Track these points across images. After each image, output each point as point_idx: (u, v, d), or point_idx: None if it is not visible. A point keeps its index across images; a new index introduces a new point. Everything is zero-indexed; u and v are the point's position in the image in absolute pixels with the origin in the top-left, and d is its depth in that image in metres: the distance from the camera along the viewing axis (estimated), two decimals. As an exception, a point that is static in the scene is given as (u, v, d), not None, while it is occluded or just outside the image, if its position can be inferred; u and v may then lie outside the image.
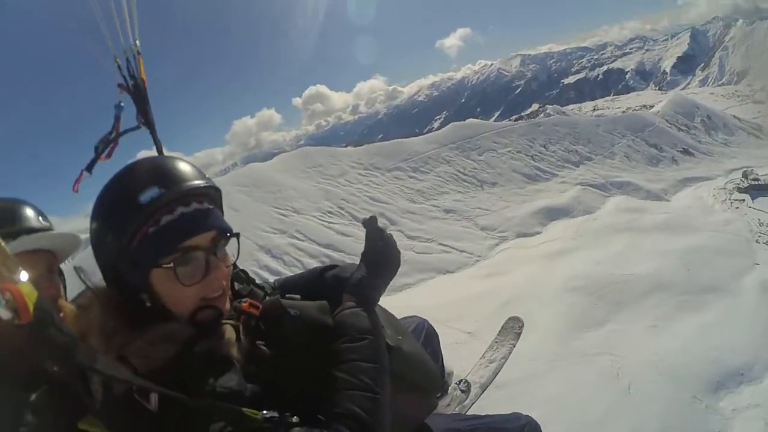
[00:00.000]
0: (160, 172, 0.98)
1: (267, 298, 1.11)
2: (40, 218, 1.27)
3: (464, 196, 11.56)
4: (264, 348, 0.98)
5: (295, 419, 0.86)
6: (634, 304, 3.88)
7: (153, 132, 1.70)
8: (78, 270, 1.03)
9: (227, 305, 1.03)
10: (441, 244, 8.81)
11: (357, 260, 1.22)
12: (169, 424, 0.82)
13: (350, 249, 8.81)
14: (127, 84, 1.70)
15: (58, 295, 1.20)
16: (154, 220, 0.93)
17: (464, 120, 16.21)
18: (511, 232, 8.90)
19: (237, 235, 1.05)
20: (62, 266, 1.30)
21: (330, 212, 10.57)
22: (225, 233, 1.01)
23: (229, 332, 0.98)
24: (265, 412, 0.84)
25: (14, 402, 1.02)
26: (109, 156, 1.63)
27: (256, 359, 0.97)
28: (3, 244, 0.58)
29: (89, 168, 1.59)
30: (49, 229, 1.27)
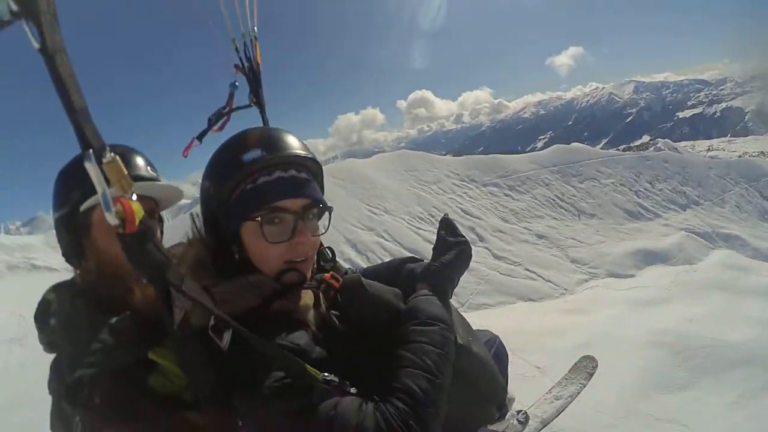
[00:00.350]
0: (266, 138, 1.05)
1: (348, 274, 1.15)
2: (149, 168, 1.35)
3: (559, 223, 10.95)
4: (336, 319, 1.01)
5: (353, 390, 0.88)
6: (720, 374, 3.54)
7: (263, 112, 1.77)
8: (193, 216, 1.10)
9: (310, 274, 1.07)
10: (527, 270, 8.53)
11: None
12: (236, 364, 0.87)
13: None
14: (242, 66, 1.77)
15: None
16: (253, 178, 1.00)
17: (569, 143, 15.24)
18: (603, 269, 8.33)
19: (329, 209, 1.09)
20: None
21: (420, 218, 10.73)
22: (317, 204, 1.05)
23: (308, 298, 1.01)
24: (326, 374, 0.87)
25: (95, 321, 1.09)
26: (221, 129, 1.67)
27: (328, 328, 1.00)
28: (122, 166, 0.64)
29: (200, 137, 1.64)
30: (156, 179, 1.34)
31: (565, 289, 7.76)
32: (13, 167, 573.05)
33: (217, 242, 1.05)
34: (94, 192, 0.67)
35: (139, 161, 1.33)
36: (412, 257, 1.34)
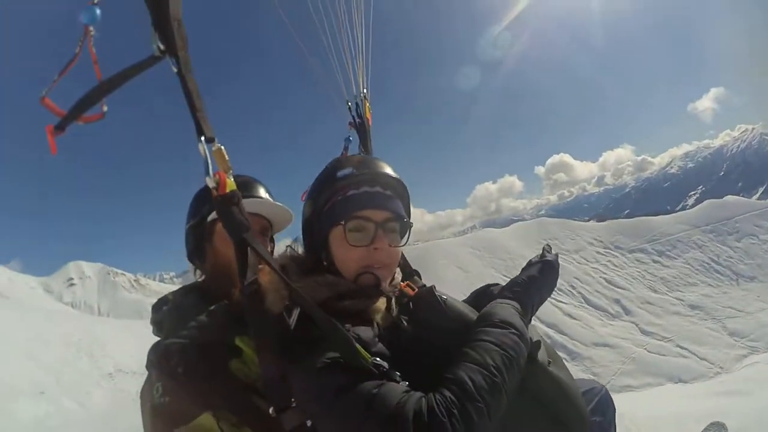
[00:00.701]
0: (358, 160, 1.27)
1: (430, 287, 1.19)
2: (267, 194, 1.63)
3: (715, 290, 10.29)
4: (405, 323, 1.09)
5: (402, 381, 0.92)
6: None
7: None
8: (295, 241, 1.33)
9: (388, 282, 1.21)
10: (679, 346, 7.99)
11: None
12: (297, 340, 0.99)
13: (576, 334, 8.24)
14: (354, 122, 2.03)
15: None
16: (344, 191, 1.22)
17: (722, 197, 14.18)
18: (764, 342, 7.35)
19: (409, 224, 1.25)
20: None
21: (560, 290, 10.19)
22: (398, 218, 1.22)
23: (381, 302, 1.14)
24: (377, 359, 0.93)
25: (199, 306, 1.34)
26: None
27: (396, 330, 1.08)
28: (225, 154, 0.96)
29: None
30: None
31: (721, 368, 6.94)
32: (170, 221, 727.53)
33: (308, 248, 1.29)
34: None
35: (259, 187, 1.64)
36: (496, 283, 1.31)
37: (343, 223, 1.17)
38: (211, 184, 1.00)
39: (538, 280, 1.20)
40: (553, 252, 1.30)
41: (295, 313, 1.03)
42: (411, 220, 1.27)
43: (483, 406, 0.87)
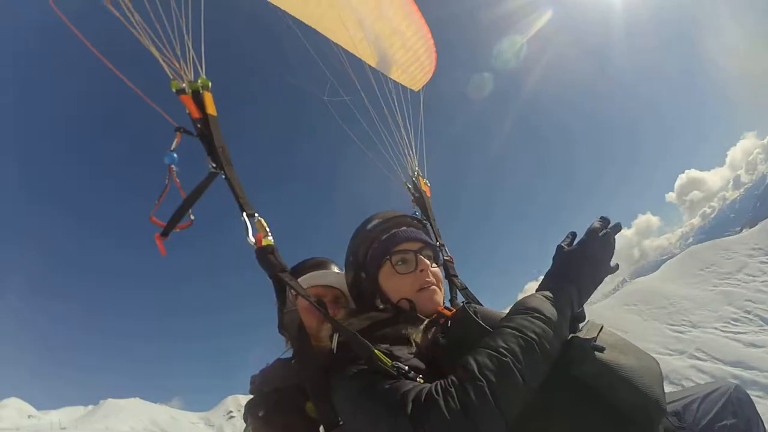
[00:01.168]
0: (381, 213, 1.57)
1: (463, 305, 1.31)
2: (339, 270, 1.90)
3: None
4: (442, 339, 1.21)
5: (420, 381, 1.04)
6: None
7: (434, 227, 2.22)
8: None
9: (439, 299, 1.41)
10: None
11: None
12: (336, 361, 1.18)
13: (764, 365, 7.50)
14: (414, 197, 2.37)
15: (336, 316, 1.55)
16: (378, 239, 1.48)
17: None
18: None
19: (439, 246, 1.59)
20: None
21: (734, 319, 9.19)
22: (430, 245, 1.49)
23: (419, 327, 1.28)
24: (398, 363, 1.05)
25: (284, 367, 1.62)
26: None
27: (433, 347, 1.20)
28: (264, 223, 1.35)
29: None
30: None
31: None
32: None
33: (360, 303, 1.50)
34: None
35: (331, 264, 1.98)
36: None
37: (388, 258, 1.42)
38: (250, 241, 1.38)
39: (571, 262, 1.18)
40: (599, 223, 1.22)
41: (335, 339, 1.21)
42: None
43: (483, 384, 0.90)
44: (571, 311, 1.14)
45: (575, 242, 1.23)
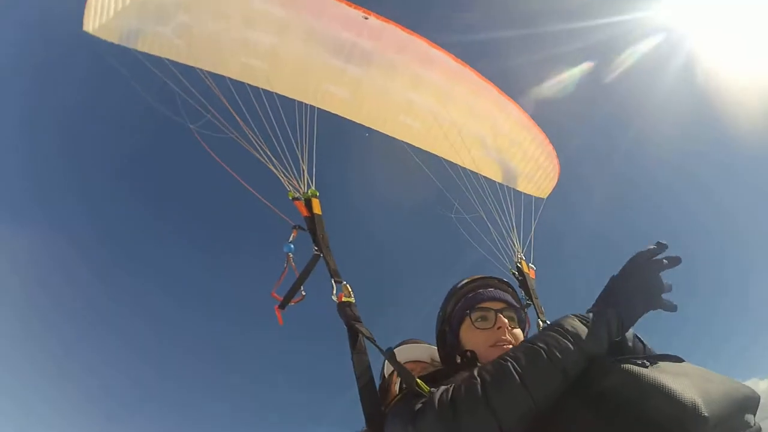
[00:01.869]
0: (472, 276, 1.71)
1: None
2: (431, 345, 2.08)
3: None
4: None
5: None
6: None
7: (536, 306, 2.43)
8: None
9: None
10: None
11: None
12: (395, 403, 1.33)
13: None
14: (518, 280, 2.67)
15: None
16: (465, 297, 1.60)
17: None
18: None
19: (522, 307, 1.62)
20: None
21: None
22: (512, 306, 1.57)
23: None
24: (433, 388, 1.18)
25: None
26: None
27: None
28: (349, 288, 1.93)
29: None
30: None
31: None
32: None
33: (443, 357, 1.63)
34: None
35: (423, 342, 2.19)
36: None
37: (468, 312, 1.54)
38: (333, 298, 1.85)
39: (613, 287, 1.20)
40: (649, 250, 1.18)
41: (397, 383, 1.50)
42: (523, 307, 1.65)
43: (477, 382, 1.01)
44: (608, 332, 1.12)
45: (619, 273, 1.22)
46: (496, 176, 3.01)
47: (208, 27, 2.96)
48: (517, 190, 3.13)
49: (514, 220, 2.79)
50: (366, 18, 2.67)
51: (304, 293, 2.01)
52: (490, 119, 2.92)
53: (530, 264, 2.70)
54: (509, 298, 1.61)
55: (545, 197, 3.21)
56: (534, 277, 2.63)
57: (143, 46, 3.47)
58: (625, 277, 1.18)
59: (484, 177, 2.93)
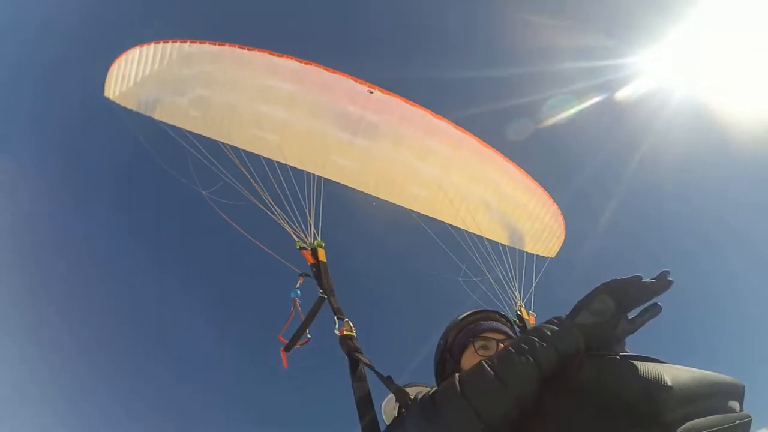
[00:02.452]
0: (471, 310, 1.78)
1: None
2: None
3: None
4: None
5: None
6: None
7: None
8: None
9: None
10: None
11: None
12: (392, 421, 1.51)
13: None
14: (519, 326, 2.68)
15: None
16: (466, 327, 1.70)
17: None
18: None
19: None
20: None
21: None
22: (511, 338, 1.61)
23: None
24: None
25: None
26: None
27: None
28: (351, 325, 2.07)
29: None
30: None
31: None
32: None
33: (442, 380, 1.57)
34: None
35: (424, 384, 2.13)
36: None
37: (471, 340, 1.61)
38: (336, 332, 1.98)
39: (578, 306, 1.23)
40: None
41: (396, 408, 1.60)
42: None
43: (455, 378, 1.13)
44: (580, 328, 1.17)
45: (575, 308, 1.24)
46: (503, 239, 3.04)
47: (223, 100, 3.14)
48: (523, 251, 3.16)
49: (516, 275, 2.85)
50: (371, 92, 2.83)
51: (309, 336, 2.16)
52: (493, 183, 2.99)
53: (530, 311, 2.78)
54: (508, 330, 1.70)
55: (554, 256, 3.23)
56: (534, 323, 2.71)
57: (160, 116, 3.68)
58: (583, 301, 1.24)
59: (489, 239, 2.97)
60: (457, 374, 1.17)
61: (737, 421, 1.01)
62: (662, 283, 1.15)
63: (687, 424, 0.93)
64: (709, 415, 0.98)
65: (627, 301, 1.17)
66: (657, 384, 0.95)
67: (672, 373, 0.98)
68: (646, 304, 1.16)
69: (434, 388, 1.22)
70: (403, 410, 1.44)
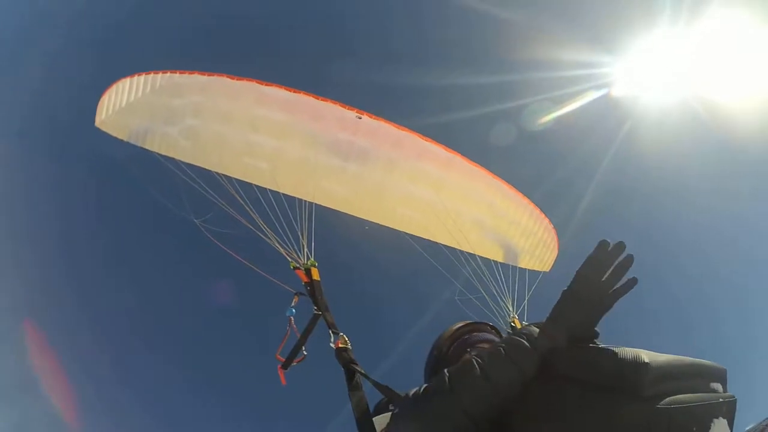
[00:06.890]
0: (468, 320, 1.91)
1: None
2: None
3: None
4: None
5: None
6: None
7: None
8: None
9: None
10: None
11: None
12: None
13: None
14: None
15: None
16: (461, 337, 1.76)
17: None
18: None
19: None
20: None
21: None
22: None
23: None
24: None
25: None
26: None
27: None
28: (346, 339, 2.11)
29: None
30: None
31: None
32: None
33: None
34: None
35: None
36: None
37: (468, 350, 1.67)
38: (332, 345, 2.05)
39: (565, 300, 1.24)
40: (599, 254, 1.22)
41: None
42: None
43: (444, 374, 1.16)
44: (564, 327, 1.20)
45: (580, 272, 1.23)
46: (497, 256, 3.07)
47: (213, 130, 3.17)
48: (516, 266, 3.19)
49: (510, 289, 2.88)
50: (359, 117, 2.87)
51: (305, 353, 2.18)
52: (485, 202, 3.03)
53: (524, 322, 2.81)
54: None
55: (549, 270, 3.25)
56: None
57: (151, 146, 3.69)
58: (573, 291, 1.25)
59: (482, 257, 2.99)
60: (446, 369, 1.21)
61: (720, 399, 1.06)
62: (628, 283, 1.22)
63: (669, 398, 0.97)
64: (692, 393, 1.02)
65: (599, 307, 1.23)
66: (635, 362, 1.00)
67: (650, 354, 1.03)
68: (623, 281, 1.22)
69: (424, 385, 1.27)
70: (396, 409, 1.45)
